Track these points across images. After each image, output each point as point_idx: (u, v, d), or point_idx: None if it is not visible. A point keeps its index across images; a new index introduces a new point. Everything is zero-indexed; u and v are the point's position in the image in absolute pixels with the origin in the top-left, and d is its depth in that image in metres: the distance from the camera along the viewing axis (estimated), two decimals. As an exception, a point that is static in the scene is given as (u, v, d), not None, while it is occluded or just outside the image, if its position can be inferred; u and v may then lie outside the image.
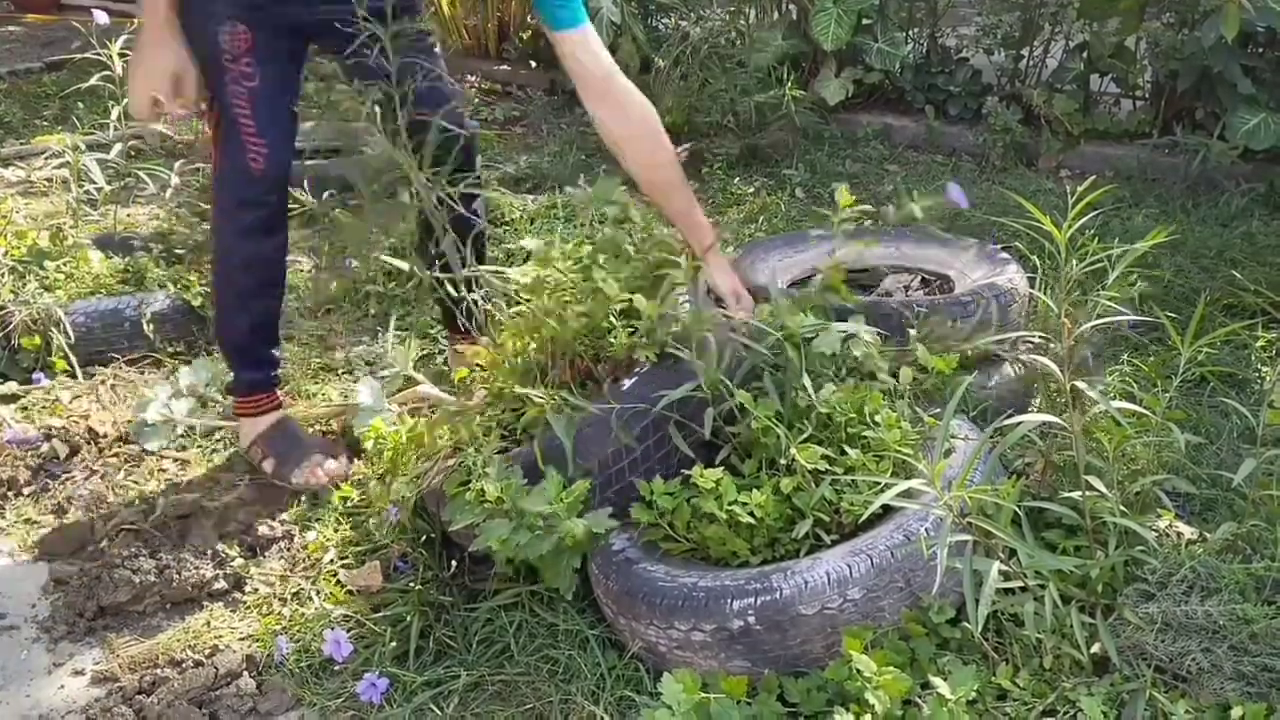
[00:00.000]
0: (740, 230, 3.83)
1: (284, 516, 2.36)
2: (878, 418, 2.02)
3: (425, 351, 3.05)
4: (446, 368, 2.90)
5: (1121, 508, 1.84)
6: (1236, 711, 1.63)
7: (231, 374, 2.58)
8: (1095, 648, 1.76)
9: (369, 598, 2.08)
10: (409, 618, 2.00)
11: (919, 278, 2.77)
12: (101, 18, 3.73)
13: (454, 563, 2.13)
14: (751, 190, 4.29)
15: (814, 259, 2.74)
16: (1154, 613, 1.73)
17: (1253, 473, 1.90)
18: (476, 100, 5.63)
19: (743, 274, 2.65)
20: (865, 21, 4.80)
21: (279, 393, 2.60)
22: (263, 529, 2.32)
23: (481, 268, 2.42)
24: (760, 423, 1.97)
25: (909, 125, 4.86)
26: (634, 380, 2.04)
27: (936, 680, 1.66)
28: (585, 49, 2.35)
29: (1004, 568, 1.69)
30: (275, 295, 2.52)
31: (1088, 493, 1.84)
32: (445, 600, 2.05)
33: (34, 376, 2.87)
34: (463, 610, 2.04)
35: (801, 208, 4.11)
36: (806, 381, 2.01)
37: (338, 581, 2.15)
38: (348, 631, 1.96)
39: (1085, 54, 4.51)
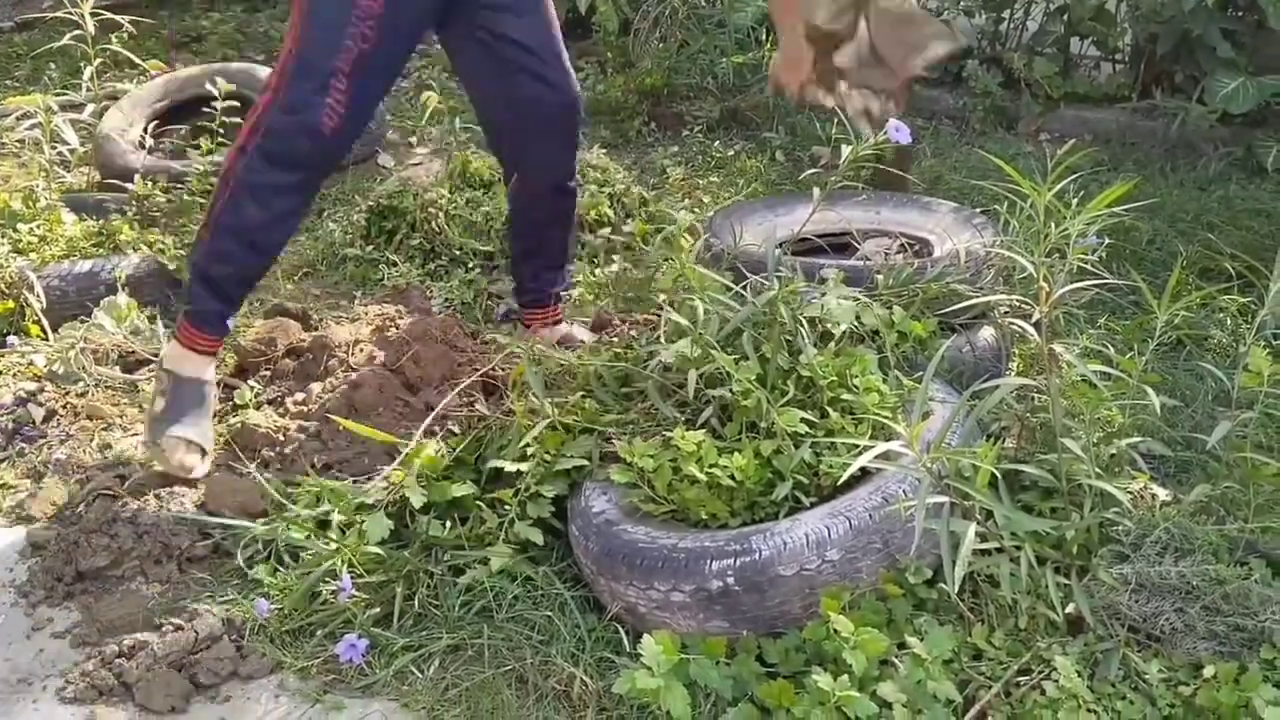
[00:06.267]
0: (719, 194, 3.81)
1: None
2: (857, 381, 2.02)
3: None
4: None
5: (1097, 470, 1.86)
6: (1209, 670, 1.65)
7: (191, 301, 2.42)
8: (1070, 608, 1.77)
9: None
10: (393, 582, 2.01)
11: (898, 242, 2.77)
12: (73, -25, 3.67)
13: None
14: (731, 153, 4.26)
15: (793, 222, 2.73)
16: (1128, 574, 1.75)
17: (1227, 435, 1.92)
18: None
19: (724, 238, 2.64)
20: (846, -18, 4.75)
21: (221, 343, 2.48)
22: (241, 494, 2.30)
23: None
24: (741, 386, 1.98)
25: (889, 88, 4.83)
26: None
27: (913, 640, 1.68)
28: None
29: (980, 529, 1.70)
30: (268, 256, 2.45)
31: (1063, 455, 1.85)
32: (427, 566, 2.05)
33: (7, 340, 2.84)
34: (444, 574, 2.04)
35: (782, 171, 4.09)
36: (803, 339, 2.02)
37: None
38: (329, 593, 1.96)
39: (1065, 17, 4.49)
